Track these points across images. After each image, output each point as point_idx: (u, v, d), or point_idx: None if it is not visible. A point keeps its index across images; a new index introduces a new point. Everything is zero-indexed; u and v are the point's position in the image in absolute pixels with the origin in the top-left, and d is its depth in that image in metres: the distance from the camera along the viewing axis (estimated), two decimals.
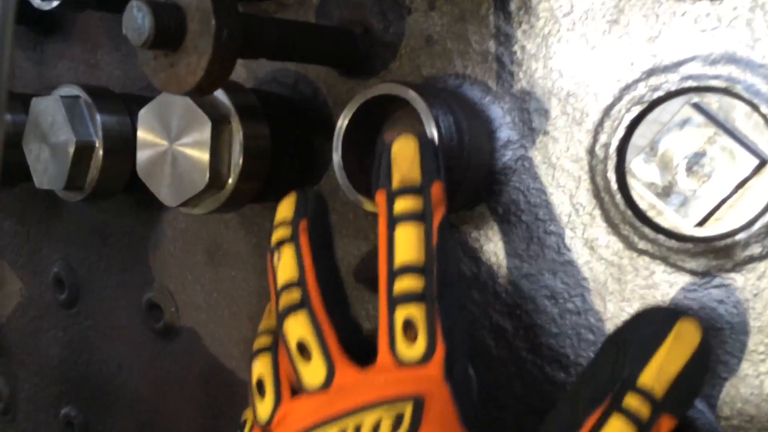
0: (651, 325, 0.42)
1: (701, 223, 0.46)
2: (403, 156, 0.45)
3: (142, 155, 0.58)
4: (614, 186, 0.49)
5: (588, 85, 0.50)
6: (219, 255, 0.72)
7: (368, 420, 0.40)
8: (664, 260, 0.48)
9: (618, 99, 0.49)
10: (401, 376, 0.42)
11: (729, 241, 0.45)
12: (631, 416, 0.39)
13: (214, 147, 0.55)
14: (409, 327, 0.42)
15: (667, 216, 0.47)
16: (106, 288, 0.83)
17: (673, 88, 0.46)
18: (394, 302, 0.43)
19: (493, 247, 0.55)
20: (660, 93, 0.46)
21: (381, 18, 0.58)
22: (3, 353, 0.96)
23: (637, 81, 0.48)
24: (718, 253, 0.46)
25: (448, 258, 0.43)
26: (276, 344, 0.47)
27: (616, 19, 0.48)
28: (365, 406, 0.41)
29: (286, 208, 0.48)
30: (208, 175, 0.55)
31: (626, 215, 0.48)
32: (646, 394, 0.39)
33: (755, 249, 0.45)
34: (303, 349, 0.44)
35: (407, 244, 0.43)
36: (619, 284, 0.50)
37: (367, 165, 0.54)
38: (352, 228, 0.62)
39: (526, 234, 0.54)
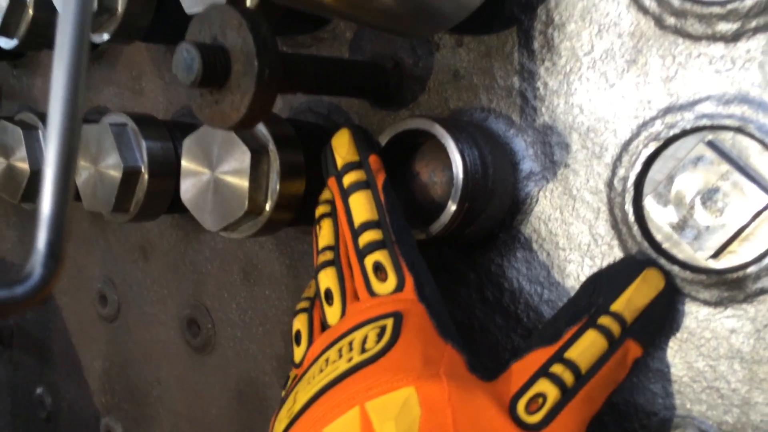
0: (623, 269, 0.49)
1: (715, 256, 0.48)
2: (340, 144, 0.53)
3: (186, 183, 0.61)
4: (632, 218, 0.51)
5: (607, 121, 0.52)
6: (254, 275, 0.76)
7: (358, 336, 0.47)
8: (680, 290, 0.50)
9: (636, 135, 0.51)
10: (382, 301, 0.49)
11: (741, 273, 0.47)
12: (604, 331, 0.46)
13: (253, 175, 0.58)
14: (378, 269, 0.50)
15: (682, 248, 0.49)
16: (147, 304, 0.87)
17: (688, 127, 0.48)
18: (361, 254, 0.50)
19: (515, 273, 0.58)
20: (676, 131, 0.49)
21: (411, 53, 0.61)
22: (47, 364, 1.01)
23: (654, 118, 0.50)
24: (730, 285, 0.48)
25: (396, 211, 0.51)
26: (312, 306, 0.55)
27: (634, 59, 0.51)
28: (355, 327, 0.48)
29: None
30: (247, 203, 0.58)
31: (643, 246, 0.51)
32: (617, 317, 0.47)
33: (766, 282, 0.47)
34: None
35: (361, 206, 0.51)
36: None
37: (397, 194, 0.57)
38: None
39: (547, 262, 0.56)
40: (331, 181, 0.54)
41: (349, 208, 0.52)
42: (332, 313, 0.51)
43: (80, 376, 0.97)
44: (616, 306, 0.47)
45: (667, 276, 0.49)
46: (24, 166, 0.80)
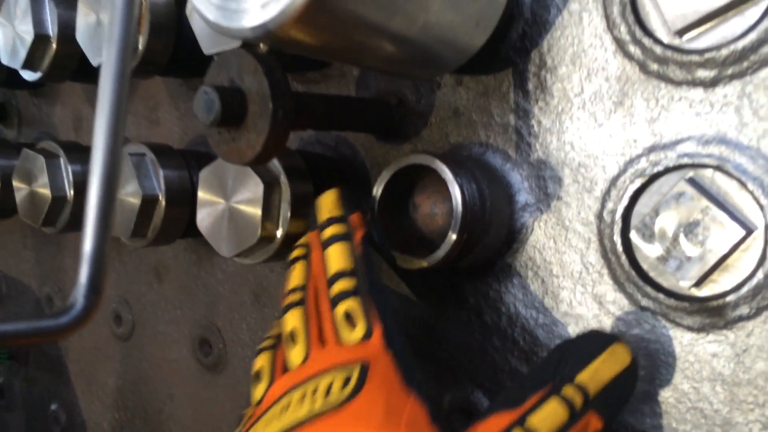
0: (591, 341, 0.50)
1: (697, 285, 0.51)
2: (326, 201, 0.56)
3: (202, 212, 0.65)
4: (620, 248, 0.55)
5: (596, 157, 0.56)
6: (264, 297, 0.80)
7: (323, 382, 0.47)
8: (665, 316, 0.54)
9: (623, 171, 0.55)
10: (350, 349, 0.49)
11: (721, 301, 0.51)
12: (566, 401, 0.46)
13: (265, 205, 0.62)
14: (348, 317, 0.50)
15: (666, 277, 0.53)
16: (160, 323, 0.91)
17: (671, 164, 0.52)
18: (333, 302, 0.51)
19: (512, 298, 0.61)
20: (659, 168, 0.52)
21: (414, 91, 0.65)
22: (62, 381, 1.04)
23: (639, 156, 0.54)
24: (711, 312, 0.51)
25: (371, 264, 0.53)
26: (276, 345, 0.56)
27: (621, 101, 0.55)
28: (320, 372, 0.48)
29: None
30: (259, 231, 0.62)
31: (630, 275, 0.54)
32: (581, 388, 0.47)
33: (743, 310, 0.50)
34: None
35: (337, 256, 0.53)
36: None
37: (401, 224, 0.61)
38: (386, 277, 0.69)
39: (542, 288, 0.60)
40: (312, 235, 0.56)
41: (327, 257, 0.53)
42: (295, 354, 0.51)
43: (94, 393, 1.00)
44: (582, 377, 0.47)
45: (634, 353, 0.50)
46: (46, 192, 0.84)
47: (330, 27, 0.43)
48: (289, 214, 0.64)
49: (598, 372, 0.48)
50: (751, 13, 0.48)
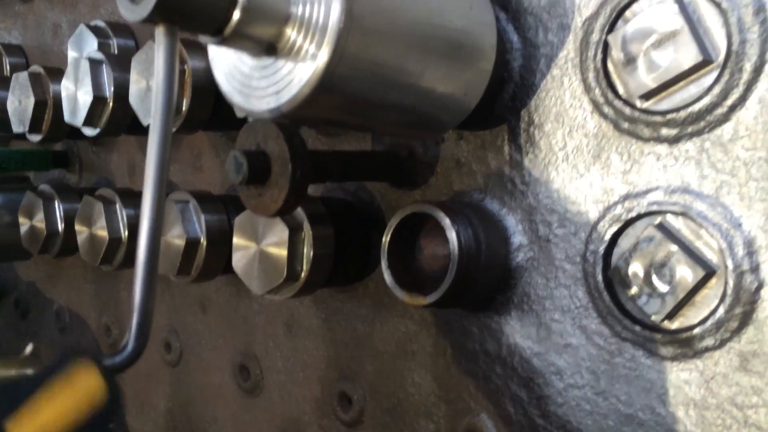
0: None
1: (668, 318, 0.58)
2: None
3: (237, 255, 0.74)
4: (601, 285, 0.61)
5: (579, 204, 0.63)
6: (295, 327, 0.88)
7: None
8: (642, 347, 0.60)
9: (602, 216, 0.61)
10: None
11: (689, 334, 0.57)
12: None
13: (290, 248, 0.71)
14: None
15: (641, 312, 0.59)
16: (205, 351, 1.00)
17: (642, 211, 0.59)
18: None
19: (510, 329, 0.68)
20: (633, 214, 0.59)
21: (421, 144, 0.73)
22: (118, 403, 1.14)
23: (616, 203, 0.61)
24: (681, 343, 0.57)
25: None
26: None
27: (598, 155, 0.61)
28: None
29: None
30: (285, 272, 0.70)
31: (611, 309, 0.61)
32: None
33: (709, 341, 0.56)
34: None
35: None
36: (609, 365, 0.62)
37: (409, 264, 0.69)
38: (400, 308, 0.77)
39: (536, 320, 0.67)
40: None
41: None
42: None
43: (147, 415, 1.10)
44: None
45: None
46: (103, 234, 0.94)
47: (334, 107, 0.52)
48: (312, 256, 0.72)
49: None
50: (705, 81, 0.54)
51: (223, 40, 0.48)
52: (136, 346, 0.42)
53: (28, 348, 1.28)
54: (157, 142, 0.52)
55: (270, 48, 0.49)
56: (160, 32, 0.44)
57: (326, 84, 0.49)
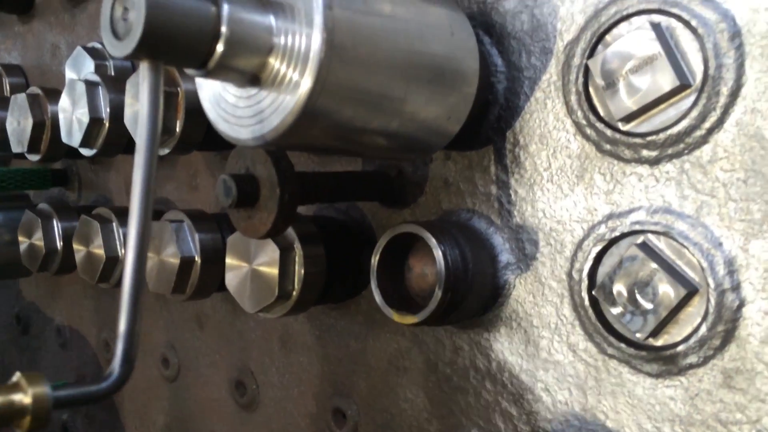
0: None
1: (653, 336, 0.58)
2: None
3: (229, 274, 0.75)
4: (587, 303, 0.62)
5: (564, 223, 0.64)
6: (290, 343, 0.89)
7: None
8: (628, 363, 0.61)
9: (587, 236, 0.62)
10: None
11: (672, 351, 0.57)
12: None
13: (281, 268, 0.72)
14: None
15: (626, 329, 0.60)
16: (202, 366, 1.01)
17: (625, 231, 0.59)
18: None
19: (500, 346, 0.69)
20: (616, 233, 0.60)
21: (410, 164, 0.74)
22: (118, 418, 1.15)
23: (599, 223, 0.61)
24: (666, 360, 0.58)
25: None
26: None
27: (582, 175, 0.62)
28: None
29: None
30: (277, 291, 0.71)
31: (597, 327, 0.62)
32: None
33: (693, 358, 0.57)
34: None
35: None
36: (596, 381, 0.63)
37: (398, 284, 0.69)
38: (392, 325, 0.78)
39: (524, 337, 0.67)
40: None
41: None
42: None
43: (146, 430, 1.11)
44: None
45: None
46: (100, 252, 0.96)
47: (319, 134, 0.53)
48: (302, 275, 0.73)
49: None
50: (683, 104, 0.55)
51: (208, 73, 0.49)
52: (122, 372, 0.43)
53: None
54: (141, 174, 0.52)
55: (254, 78, 0.50)
56: (144, 67, 0.45)
57: (309, 112, 0.50)
